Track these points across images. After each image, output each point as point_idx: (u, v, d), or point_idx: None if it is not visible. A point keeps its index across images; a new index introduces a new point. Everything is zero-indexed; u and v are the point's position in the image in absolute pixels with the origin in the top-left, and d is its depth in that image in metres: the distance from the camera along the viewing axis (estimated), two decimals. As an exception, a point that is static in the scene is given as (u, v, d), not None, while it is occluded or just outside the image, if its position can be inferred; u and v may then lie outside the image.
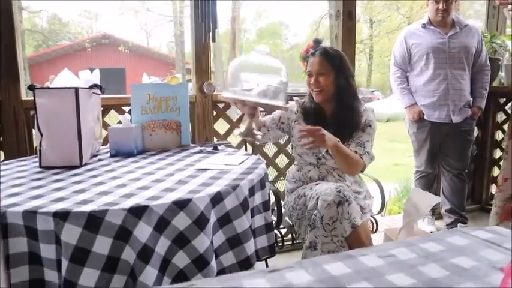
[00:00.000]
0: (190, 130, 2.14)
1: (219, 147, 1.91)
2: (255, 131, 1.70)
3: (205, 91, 2.27)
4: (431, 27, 2.65)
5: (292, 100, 2.02)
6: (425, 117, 2.68)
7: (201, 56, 2.25)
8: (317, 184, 1.75)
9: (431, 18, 2.66)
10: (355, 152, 1.73)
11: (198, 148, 1.92)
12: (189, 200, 1.10)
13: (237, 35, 16.37)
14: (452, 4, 2.59)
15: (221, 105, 2.36)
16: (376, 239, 2.02)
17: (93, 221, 1.00)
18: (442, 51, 2.60)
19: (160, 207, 1.06)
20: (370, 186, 1.96)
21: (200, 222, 1.10)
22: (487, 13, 3.31)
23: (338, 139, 1.65)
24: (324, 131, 1.60)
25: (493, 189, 3.35)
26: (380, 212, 2.00)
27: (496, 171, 3.34)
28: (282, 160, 2.46)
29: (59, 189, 1.23)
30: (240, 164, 1.54)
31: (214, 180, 1.30)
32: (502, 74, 3.15)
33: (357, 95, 1.83)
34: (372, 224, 1.97)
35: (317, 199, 1.59)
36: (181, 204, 1.08)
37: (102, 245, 1.00)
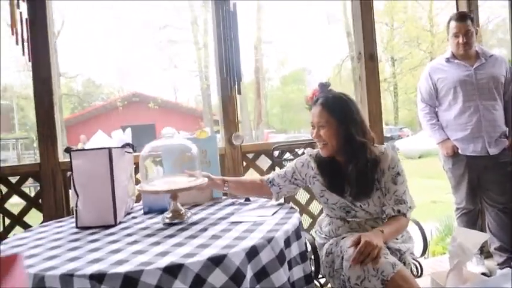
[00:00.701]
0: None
1: (250, 199, 1.89)
2: (183, 211, 1.55)
3: (234, 142, 2.29)
4: (456, 61, 2.63)
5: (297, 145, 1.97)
6: (459, 151, 2.59)
7: (228, 109, 2.29)
8: (343, 238, 1.61)
9: (454, 52, 2.64)
10: (398, 211, 1.61)
11: (230, 200, 1.91)
12: (224, 256, 1.07)
13: (261, 84, 16.75)
14: (472, 37, 2.57)
15: (250, 156, 2.37)
16: (422, 283, 1.90)
17: (129, 282, 0.99)
18: (470, 83, 2.55)
19: (195, 265, 1.04)
20: (409, 228, 1.87)
21: (236, 278, 1.07)
22: (511, 40, 3.26)
23: (381, 230, 1.50)
24: (370, 241, 1.38)
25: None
26: (423, 254, 1.89)
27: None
28: (315, 207, 2.40)
29: (95, 249, 1.24)
30: (273, 214, 1.52)
31: (248, 234, 1.28)
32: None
33: (367, 143, 1.66)
34: (416, 267, 1.87)
35: (342, 258, 1.47)
36: (216, 261, 1.06)
37: (139, 306, 0.98)
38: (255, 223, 1.41)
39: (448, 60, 2.66)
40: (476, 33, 2.63)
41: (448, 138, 2.62)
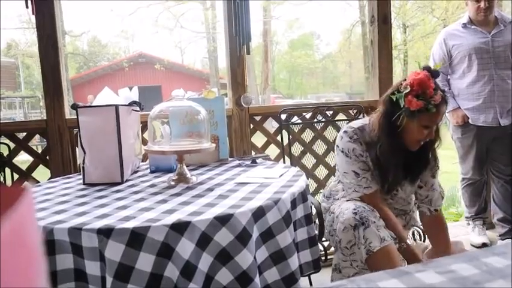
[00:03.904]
0: (228, 144, 2.13)
1: (257, 161, 1.89)
2: (188, 176, 1.51)
3: (242, 104, 2.26)
4: (473, 27, 2.54)
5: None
6: (470, 121, 2.55)
7: (236, 70, 2.25)
8: (348, 200, 1.60)
9: (472, 17, 2.55)
10: (435, 210, 1.70)
11: (237, 162, 1.91)
12: (230, 216, 1.08)
13: (269, 48, 16.48)
14: (494, 1, 2.48)
15: (258, 118, 2.35)
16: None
17: (136, 238, 1.00)
18: (486, 51, 2.48)
19: (202, 223, 1.04)
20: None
21: (243, 237, 1.08)
22: (533, 9, 3.14)
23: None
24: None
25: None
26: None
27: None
28: (321, 171, 2.40)
29: (102, 205, 1.25)
30: (280, 176, 1.51)
31: (255, 195, 1.27)
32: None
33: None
34: (419, 234, 1.90)
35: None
36: (223, 220, 1.06)
37: (145, 262, 0.99)
38: (262, 184, 1.41)
39: (464, 25, 2.57)
40: None
41: (459, 107, 2.57)
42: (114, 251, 0.98)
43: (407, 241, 1.54)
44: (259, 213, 1.14)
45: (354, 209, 1.47)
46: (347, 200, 1.62)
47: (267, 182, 1.44)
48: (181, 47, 21.69)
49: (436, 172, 1.69)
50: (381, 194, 1.63)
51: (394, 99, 1.49)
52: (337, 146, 1.63)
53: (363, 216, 1.44)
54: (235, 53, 2.22)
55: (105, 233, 1.00)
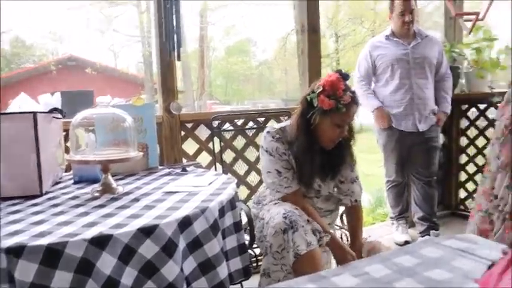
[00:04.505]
0: (158, 152, 2.08)
1: (187, 169, 1.86)
2: (113, 186, 1.45)
3: (172, 111, 2.22)
4: (395, 39, 2.72)
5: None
6: (393, 125, 2.71)
7: (167, 75, 2.21)
8: (275, 204, 1.66)
9: (396, 30, 2.73)
10: (355, 200, 1.82)
11: (167, 170, 1.87)
12: (155, 227, 1.05)
13: (205, 53, 16.38)
14: (415, 16, 2.68)
15: (189, 125, 2.32)
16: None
17: (52, 255, 0.93)
18: (406, 61, 2.66)
19: (125, 236, 1.00)
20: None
21: (168, 248, 1.05)
22: (445, 24, 3.44)
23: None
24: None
25: (462, 194, 3.42)
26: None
27: (463, 177, 3.42)
28: (253, 178, 2.43)
29: (15, 221, 1.15)
30: (209, 184, 1.50)
31: (182, 204, 1.25)
32: (462, 81, 3.25)
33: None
34: (347, 236, 1.97)
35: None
36: (147, 231, 1.03)
37: (61, 280, 0.93)
38: (190, 193, 1.39)
39: (387, 37, 2.75)
40: (416, 13, 2.73)
41: (382, 106, 2.71)
42: (25, 271, 0.91)
43: (332, 233, 1.63)
44: (185, 223, 1.13)
45: (284, 213, 1.51)
46: (275, 204, 1.66)
47: (195, 190, 1.42)
48: (115, 50, 20.90)
49: (354, 166, 1.83)
50: (306, 193, 1.72)
51: (309, 99, 1.60)
52: (262, 146, 1.71)
53: (293, 220, 1.49)
54: (165, 58, 2.18)
55: (15, 252, 0.92)
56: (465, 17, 3.22)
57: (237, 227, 1.39)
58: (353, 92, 1.62)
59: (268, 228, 1.54)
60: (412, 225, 3.02)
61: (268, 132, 1.71)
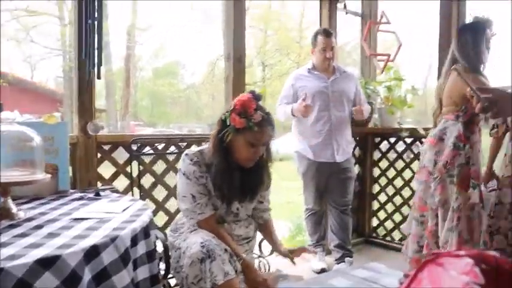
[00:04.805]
0: (70, 174, 1.95)
1: (102, 193, 1.76)
2: (14, 211, 1.32)
3: (89, 132, 2.10)
4: (316, 72, 2.87)
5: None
6: (312, 157, 2.82)
7: (84, 94, 2.10)
8: (191, 232, 1.65)
9: (317, 65, 2.88)
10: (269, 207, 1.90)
11: (78, 194, 1.75)
12: (57, 257, 0.96)
13: (131, 73, 15.92)
14: (335, 52, 2.85)
15: (107, 147, 2.21)
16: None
17: None
18: (325, 94, 2.81)
19: (18, 269, 0.90)
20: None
21: (71, 282, 0.96)
22: (361, 62, 3.71)
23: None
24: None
25: (374, 222, 3.63)
26: (272, 253, 2.00)
27: (375, 206, 3.63)
28: (172, 204, 2.36)
29: None
30: (123, 211, 1.43)
31: (91, 231, 1.17)
32: (375, 116, 3.50)
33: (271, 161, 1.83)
34: (264, 264, 1.97)
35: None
36: (46, 263, 0.94)
37: None
38: (102, 220, 1.30)
39: (309, 71, 2.89)
40: (335, 50, 2.92)
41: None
42: None
43: (244, 257, 1.63)
44: (92, 253, 1.05)
45: (202, 242, 1.48)
46: (191, 232, 1.63)
47: (107, 217, 1.34)
48: (32, 62, 19.52)
49: (269, 185, 1.88)
50: (225, 217, 1.72)
51: (223, 118, 1.65)
52: (180, 169, 1.70)
53: (210, 249, 1.46)
54: (84, 76, 2.07)
55: None
56: (378, 57, 3.52)
57: (150, 256, 1.32)
58: (267, 113, 1.67)
59: (184, 258, 1.50)
60: (328, 252, 3.12)
61: (186, 154, 1.70)
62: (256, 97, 1.64)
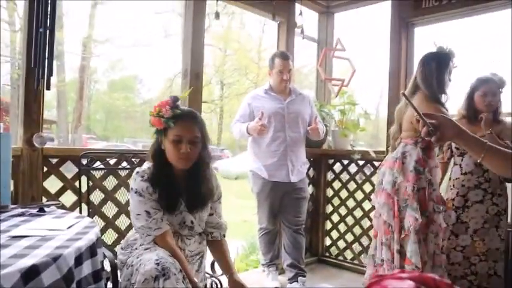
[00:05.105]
0: (12, 188, 1.83)
1: (46, 209, 1.66)
2: None
3: (35, 144, 2.00)
4: (272, 94, 2.91)
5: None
6: (267, 177, 2.84)
7: (32, 105, 2.00)
8: (146, 249, 1.60)
9: (274, 86, 2.93)
10: (223, 235, 1.85)
11: (20, 210, 1.64)
12: (-10, 279, 0.89)
13: (85, 85, 15.41)
14: (292, 75, 2.92)
15: (54, 161, 2.11)
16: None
17: None
18: (281, 115, 2.85)
19: None
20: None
21: (5, 305, 0.90)
22: (317, 85, 3.82)
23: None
24: None
25: (327, 241, 3.68)
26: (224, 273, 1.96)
27: (328, 225, 3.69)
28: (123, 221, 2.27)
29: None
30: (68, 228, 1.35)
31: (31, 250, 1.09)
32: (329, 138, 3.60)
33: (210, 160, 1.80)
34: (216, 284, 1.93)
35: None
36: (-23, 285, 0.87)
37: None
38: (44, 238, 1.23)
39: (266, 91, 2.93)
40: (292, 72, 2.98)
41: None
42: None
43: (196, 282, 1.59)
44: (31, 274, 0.98)
45: (157, 260, 1.45)
46: (146, 249, 1.59)
47: (50, 234, 1.26)
48: (-24, 69, 18.43)
49: (220, 196, 1.87)
50: (181, 231, 1.70)
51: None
52: (131, 188, 1.67)
53: (165, 267, 1.43)
54: (32, 85, 1.97)
55: None
56: (333, 81, 3.63)
57: (96, 276, 1.26)
58: (187, 110, 1.72)
59: (137, 275, 1.45)
60: (282, 272, 3.12)
61: (137, 172, 1.69)
62: (173, 99, 1.69)
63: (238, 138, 2.96)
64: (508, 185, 2.52)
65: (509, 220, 2.54)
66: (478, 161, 1.21)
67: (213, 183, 1.80)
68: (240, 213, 7.26)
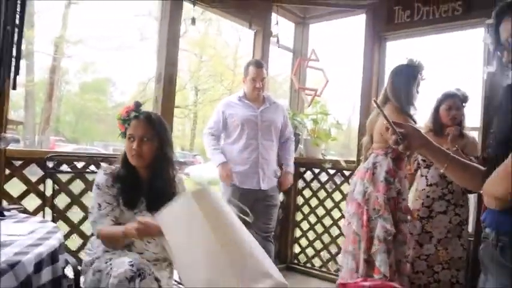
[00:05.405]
0: (-29, 190, 1.76)
1: (6, 213, 1.60)
2: None
3: (-2, 145, 1.93)
4: (246, 101, 2.92)
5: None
6: (237, 184, 2.83)
7: (-5, 104, 1.93)
8: (113, 254, 1.61)
9: (248, 93, 2.93)
10: None
11: (-22, 213, 1.58)
12: None
13: (55, 86, 15.00)
14: (265, 83, 2.94)
15: (17, 163, 2.04)
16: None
17: None
18: (254, 123, 2.86)
19: None
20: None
21: (-44, 313, 0.86)
22: (290, 94, 3.86)
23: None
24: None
25: (296, 249, 3.69)
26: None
27: (297, 233, 3.71)
28: (89, 227, 2.21)
29: None
30: (29, 233, 1.31)
31: (-13, 256, 1.05)
32: (301, 146, 3.63)
33: (174, 164, 1.83)
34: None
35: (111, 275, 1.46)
36: None
37: None
38: (3, 243, 1.18)
39: (240, 99, 2.93)
40: (266, 81, 3.00)
41: (227, 162, 2.82)
42: None
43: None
44: (-14, 281, 0.94)
45: (130, 261, 1.46)
46: (114, 254, 1.60)
47: (9, 240, 1.22)
48: None
49: None
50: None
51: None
52: (95, 182, 1.74)
53: (140, 267, 1.45)
54: (-4, 85, 1.91)
55: None
56: (306, 91, 3.68)
57: (56, 284, 1.22)
58: (144, 113, 1.79)
59: (109, 279, 1.44)
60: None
61: (102, 167, 1.78)
62: (136, 104, 1.79)
63: (207, 149, 2.96)
64: (470, 196, 2.61)
65: (470, 230, 2.63)
66: (442, 170, 1.25)
67: (180, 187, 1.82)
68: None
